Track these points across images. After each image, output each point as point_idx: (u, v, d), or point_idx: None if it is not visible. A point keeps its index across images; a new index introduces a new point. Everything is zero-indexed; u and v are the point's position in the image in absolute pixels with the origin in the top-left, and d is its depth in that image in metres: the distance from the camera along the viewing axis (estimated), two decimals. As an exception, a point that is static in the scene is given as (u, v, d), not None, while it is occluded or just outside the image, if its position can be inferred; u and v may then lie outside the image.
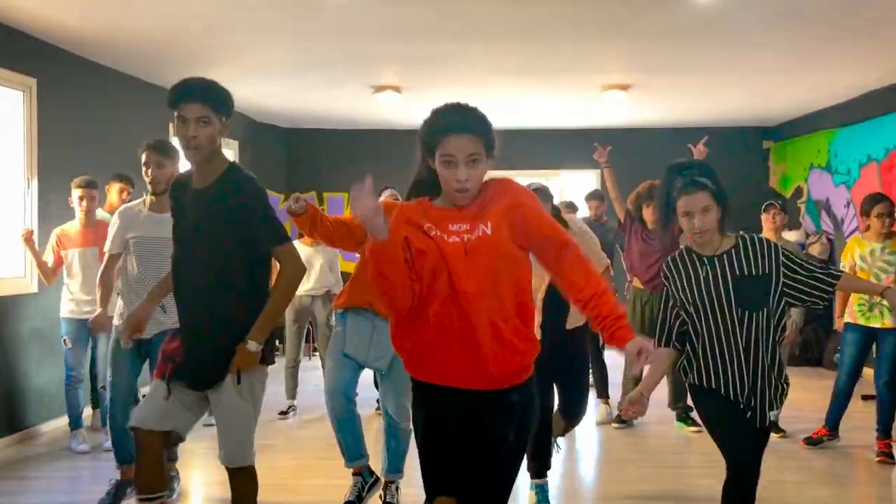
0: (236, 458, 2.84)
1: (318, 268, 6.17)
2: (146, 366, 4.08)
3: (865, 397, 6.41)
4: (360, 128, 10.01)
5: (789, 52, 6.29)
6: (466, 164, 2.21)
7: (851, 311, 5.15)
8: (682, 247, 3.10)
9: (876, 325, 5.01)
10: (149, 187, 3.98)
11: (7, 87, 5.47)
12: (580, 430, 5.78)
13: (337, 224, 3.54)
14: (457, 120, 2.23)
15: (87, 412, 5.78)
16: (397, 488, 4.02)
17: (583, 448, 5.52)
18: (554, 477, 4.33)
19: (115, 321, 4.07)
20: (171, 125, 7.57)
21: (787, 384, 2.99)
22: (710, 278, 2.91)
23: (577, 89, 7.71)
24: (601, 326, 2.23)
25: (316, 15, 5.30)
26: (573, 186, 10.08)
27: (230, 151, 8.94)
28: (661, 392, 6.13)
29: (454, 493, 2.27)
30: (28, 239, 5.23)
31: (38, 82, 5.69)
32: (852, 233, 8.08)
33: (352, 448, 3.89)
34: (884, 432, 5.01)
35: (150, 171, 3.91)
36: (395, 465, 3.98)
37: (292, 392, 6.22)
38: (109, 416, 4.17)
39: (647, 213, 5.80)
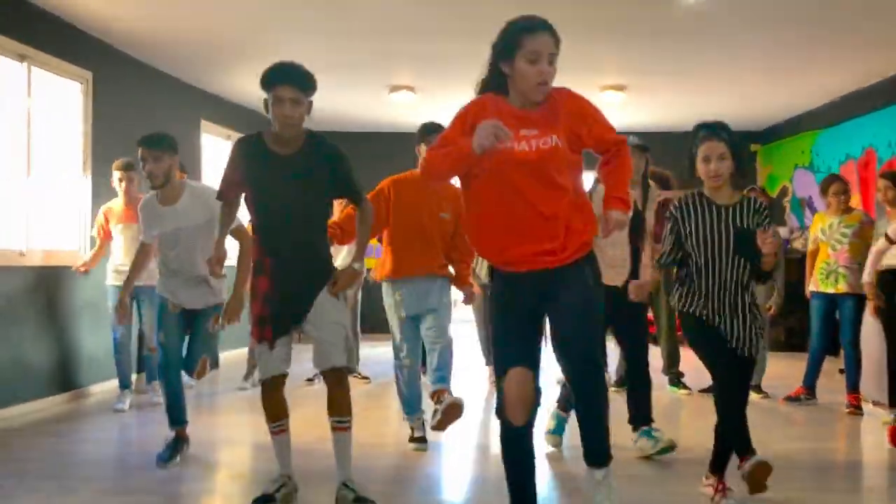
0: (341, 360, 3.38)
1: (344, 248, 6.72)
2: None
3: (842, 370, 6.97)
4: (374, 130, 10.62)
5: (770, 52, 6.93)
6: (548, 61, 2.61)
7: (815, 280, 5.80)
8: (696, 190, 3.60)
9: (832, 290, 5.66)
10: (148, 181, 4.13)
11: (68, 77, 6.08)
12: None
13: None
14: (540, 21, 2.63)
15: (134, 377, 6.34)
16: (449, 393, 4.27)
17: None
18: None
19: (158, 290, 4.34)
20: (202, 121, 8.22)
21: (763, 325, 3.53)
22: (718, 224, 3.41)
23: (579, 88, 8.30)
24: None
25: (347, 15, 5.90)
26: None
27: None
28: (656, 360, 6.68)
29: (525, 364, 2.62)
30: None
31: (94, 75, 6.31)
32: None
33: (412, 402, 4.43)
34: (852, 387, 5.60)
35: (146, 166, 4.03)
36: (442, 376, 4.28)
37: (318, 361, 6.76)
38: (164, 379, 4.29)
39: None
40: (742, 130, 10.72)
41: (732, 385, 3.44)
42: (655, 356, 7.01)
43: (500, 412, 2.68)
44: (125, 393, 5.74)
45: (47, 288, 5.81)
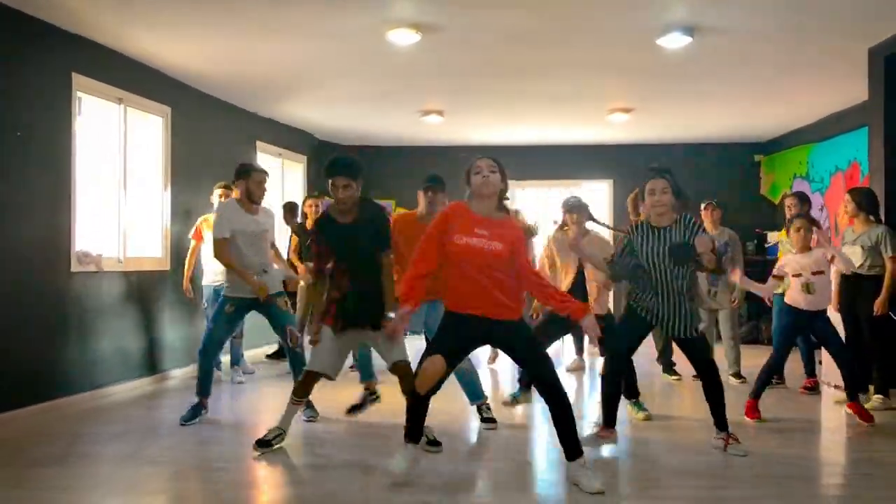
0: (405, 356, 4.56)
1: None
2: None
3: (820, 361, 7.87)
4: (408, 145, 11.74)
5: (752, 84, 7.90)
6: (489, 170, 3.92)
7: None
8: (641, 219, 4.68)
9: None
10: (256, 199, 5.48)
11: (151, 113, 7.28)
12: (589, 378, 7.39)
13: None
14: (482, 156, 4.01)
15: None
16: (487, 407, 5.38)
17: (586, 391, 7.09)
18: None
19: (226, 292, 5.50)
20: (257, 142, 9.37)
21: (697, 312, 4.63)
22: (659, 244, 4.45)
23: (588, 112, 9.35)
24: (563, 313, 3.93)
25: (382, 59, 6.97)
26: (590, 194, 11.67)
27: (300, 165, 10.71)
28: (651, 350, 7.67)
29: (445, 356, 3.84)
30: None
31: (172, 110, 7.50)
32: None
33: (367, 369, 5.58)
34: (808, 373, 6.71)
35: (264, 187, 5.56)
36: (475, 394, 5.37)
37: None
38: (203, 359, 5.43)
39: (644, 209, 7.35)
40: (746, 142, 11.65)
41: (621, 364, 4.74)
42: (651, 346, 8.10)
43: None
44: (238, 367, 7.15)
45: (139, 289, 7.02)
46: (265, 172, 5.63)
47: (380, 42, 6.32)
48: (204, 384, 5.48)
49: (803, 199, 6.84)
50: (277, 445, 4.69)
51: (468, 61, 7.07)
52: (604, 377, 4.81)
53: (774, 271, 5.73)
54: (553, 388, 3.91)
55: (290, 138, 10.31)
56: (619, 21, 5.97)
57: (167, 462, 4.48)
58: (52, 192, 5.94)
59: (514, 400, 5.84)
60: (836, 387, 6.71)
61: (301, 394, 4.72)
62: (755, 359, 7.70)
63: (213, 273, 6.99)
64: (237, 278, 5.39)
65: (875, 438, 5.08)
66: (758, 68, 7.29)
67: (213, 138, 8.34)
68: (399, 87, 8.10)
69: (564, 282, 5.63)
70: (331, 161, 4.55)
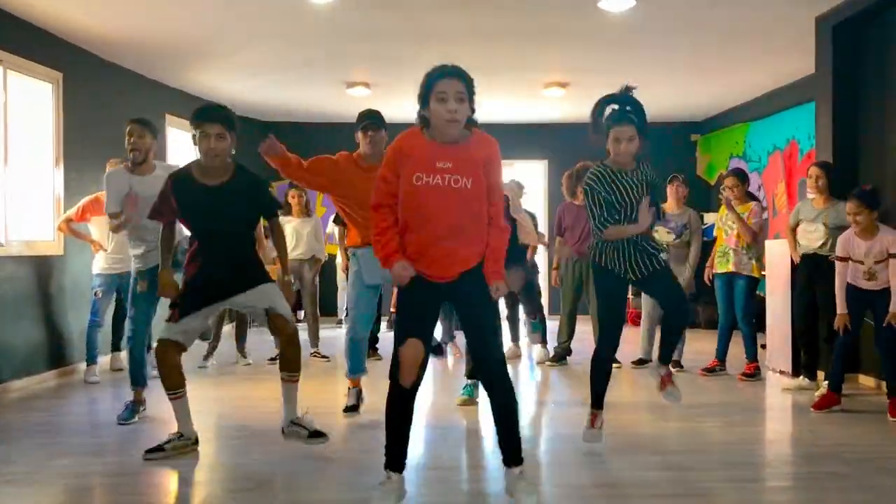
0: (287, 311, 3.96)
1: (305, 236, 7.22)
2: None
3: (763, 346, 7.64)
4: (332, 121, 11.09)
5: (694, 54, 7.55)
6: (455, 100, 2.97)
7: (713, 262, 6.50)
8: (599, 163, 4.12)
9: (725, 270, 6.33)
10: (130, 156, 4.73)
11: (38, 78, 6.48)
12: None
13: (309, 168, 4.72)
14: (448, 69, 3.03)
15: (107, 359, 6.80)
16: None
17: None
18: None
19: (133, 267, 4.84)
20: (167, 115, 8.62)
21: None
22: (630, 186, 3.96)
23: (523, 86, 8.90)
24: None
25: (299, 20, 6.37)
26: (524, 175, 11.25)
27: (216, 141, 9.96)
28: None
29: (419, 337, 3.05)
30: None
31: (64, 76, 6.71)
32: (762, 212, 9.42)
33: (357, 364, 4.90)
34: (748, 358, 6.33)
35: (132, 139, 4.71)
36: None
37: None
38: (134, 348, 4.80)
39: (579, 193, 6.90)
40: (682, 122, 11.40)
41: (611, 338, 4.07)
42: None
43: (393, 374, 3.09)
44: (94, 367, 6.29)
45: (27, 276, 6.25)
46: (136, 122, 4.81)
47: (295, 0, 5.70)
48: (136, 376, 4.83)
49: (742, 177, 6.52)
50: (175, 450, 4.00)
51: (393, 25, 6.53)
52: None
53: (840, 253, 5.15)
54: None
55: (205, 112, 9.54)
56: (557, -20, 5.49)
57: (31, 481, 3.78)
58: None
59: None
60: (781, 372, 6.45)
61: (174, 384, 3.95)
62: (692, 343, 7.45)
63: (104, 260, 6.24)
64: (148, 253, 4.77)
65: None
66: (701, 36, 6.93)
67: (114, 109, 7.54)
68: (320, 54, 7.49)
69: None
70: (200, 107, 3.88)
